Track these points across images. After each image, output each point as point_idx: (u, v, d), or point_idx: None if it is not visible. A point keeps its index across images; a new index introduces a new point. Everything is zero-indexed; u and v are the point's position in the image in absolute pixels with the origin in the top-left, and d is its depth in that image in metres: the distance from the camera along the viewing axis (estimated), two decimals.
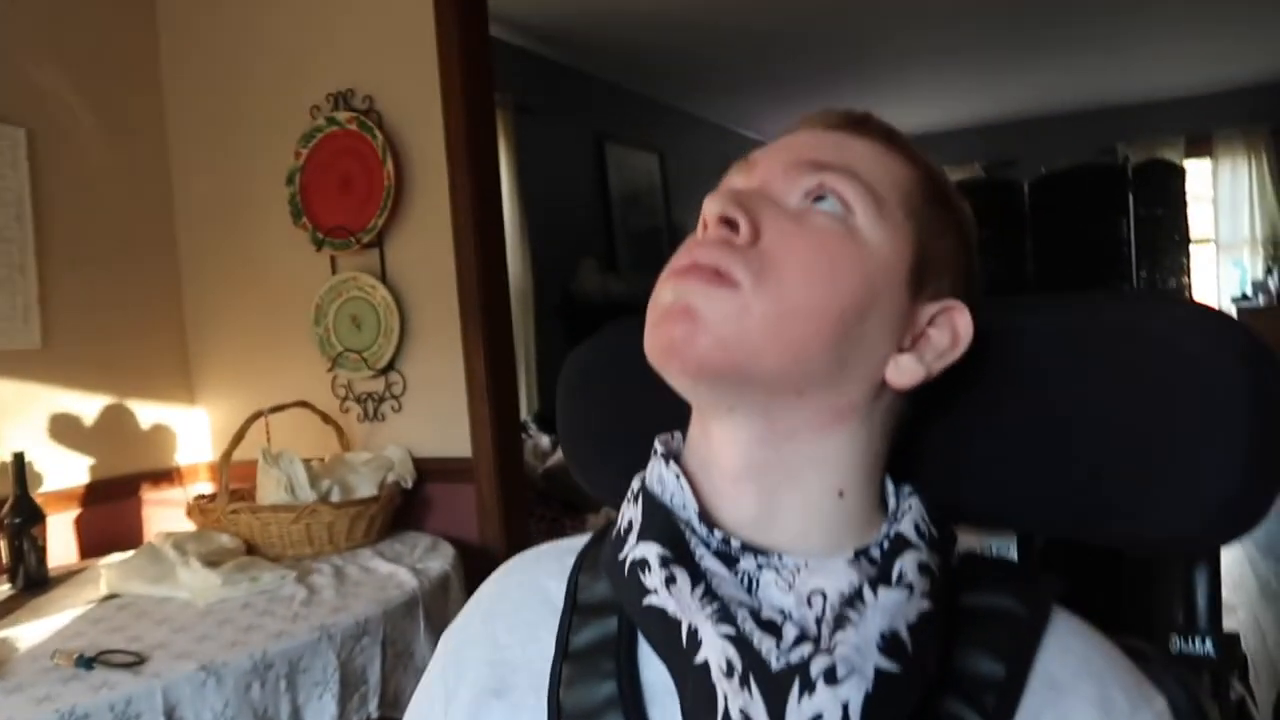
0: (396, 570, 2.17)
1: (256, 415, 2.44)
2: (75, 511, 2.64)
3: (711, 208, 0.64)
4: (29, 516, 2.22)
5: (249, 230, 2.91)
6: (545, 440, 4.60)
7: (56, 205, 2.66)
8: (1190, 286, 7.46)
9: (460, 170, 2.58)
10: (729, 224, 0.63)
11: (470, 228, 2.58)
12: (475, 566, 2.51)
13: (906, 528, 0.62)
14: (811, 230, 0.63)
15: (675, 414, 0.69)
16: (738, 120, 7.80)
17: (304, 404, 2.60)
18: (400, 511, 2.58)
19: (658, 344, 0.63)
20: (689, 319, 0.61)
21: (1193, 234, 7.54)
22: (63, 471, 2.63)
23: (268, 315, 2.89)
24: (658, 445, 0.70)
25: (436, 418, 2.65)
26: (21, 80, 2.61)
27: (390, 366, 2.68)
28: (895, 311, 0.64)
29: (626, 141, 6.17)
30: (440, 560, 2.29)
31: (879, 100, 7.16)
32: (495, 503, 2.60)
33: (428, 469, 2.65)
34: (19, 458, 2.23)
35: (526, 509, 2.96)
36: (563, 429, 0.89)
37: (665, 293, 0.64)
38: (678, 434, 0.72)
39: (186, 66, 2.98)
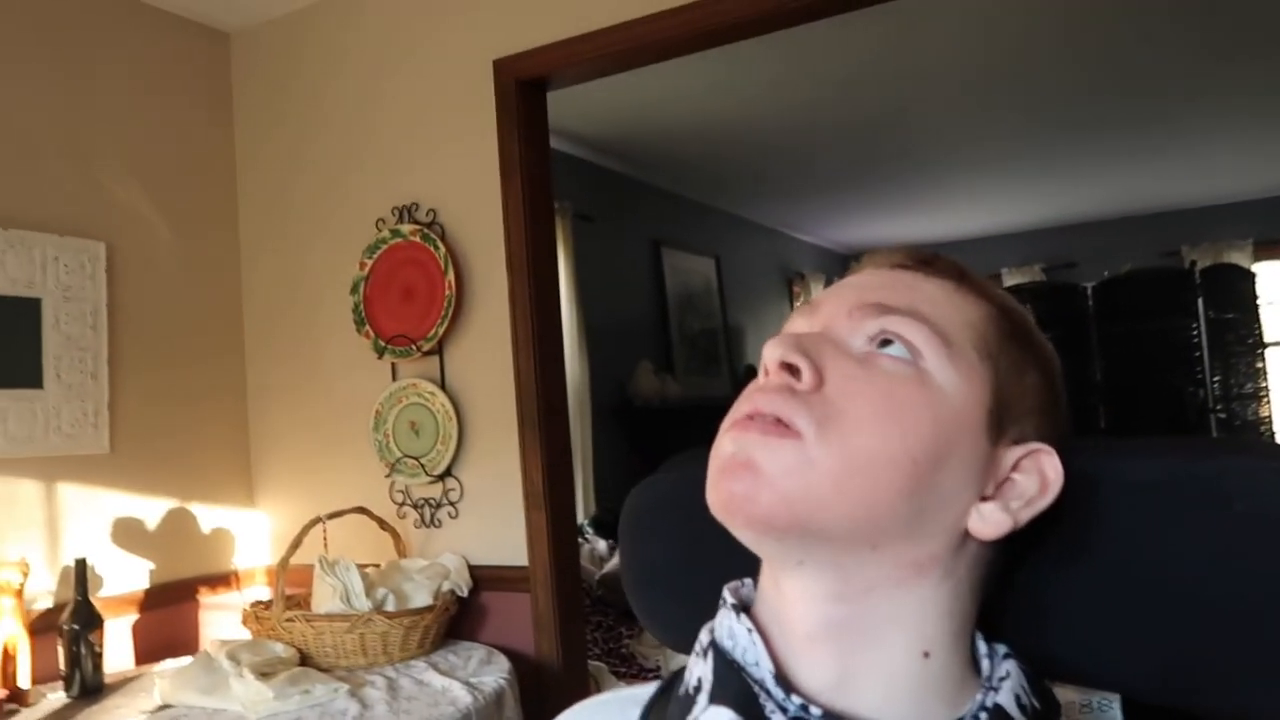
0: (450, 685, 2.11)
1: (315, 521, 2.45)
2: (134, 616, 2.65)
3: (772, 353, 0.61)
4: (88, 622, 2.22)
5: (313, 337, 2.97)
6: (602, 545, 4.54)
7: (129, 314, 2.75)
8: (1268, 390, 7.24)
9: (520, 281, 2.62)
10: (791, 370, 0.60)
11: (529, 337, 2.60)
12: (531, 680, 2.45)
13: (1006, 699, 0.57)
14: (877, 375, 0.60)
15: (746, 556, 0.66)
16: (792, 224, 7.87)
17: (362, 510, 2.60)
18: (455, 620, 2.54)
19: (719, 499, 0.60)
20: (750, 473, 0.58)
21: (1266, 337, 7.35)
22: (123, 575, 2.65)
23: (329, 420, 2.92)
24: (727, 594, 0.66)
25: (493, 525, 2.63)
26: (102, 195, 2.74)
27: (448, 472, 2.68)
28: (974, 457, 0.60)
29: (683, 246, 6.25)
30: (495, 674, 2.23)
31: (935, 204, 7.18)
32: (551, 613, 2.55)
33: (483, 576, 2.62)
34: (80, 564, 2.25)
35: (583, 618, 2.89)
36: (626, 571, 0.84)
37: (726, 443, 0.61)
38: (748, 581, 0.68)
39: (258, 181, 3.11)
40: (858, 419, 0.58)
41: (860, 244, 8.81)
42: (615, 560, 4.22)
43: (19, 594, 2.21)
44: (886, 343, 0.61)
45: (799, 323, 0.67)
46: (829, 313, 0.65)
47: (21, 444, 2.44)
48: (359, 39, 2.91)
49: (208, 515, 2.92)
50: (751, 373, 5.25)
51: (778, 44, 3.08)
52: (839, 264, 8.77)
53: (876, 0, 2.34)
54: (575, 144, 5.05)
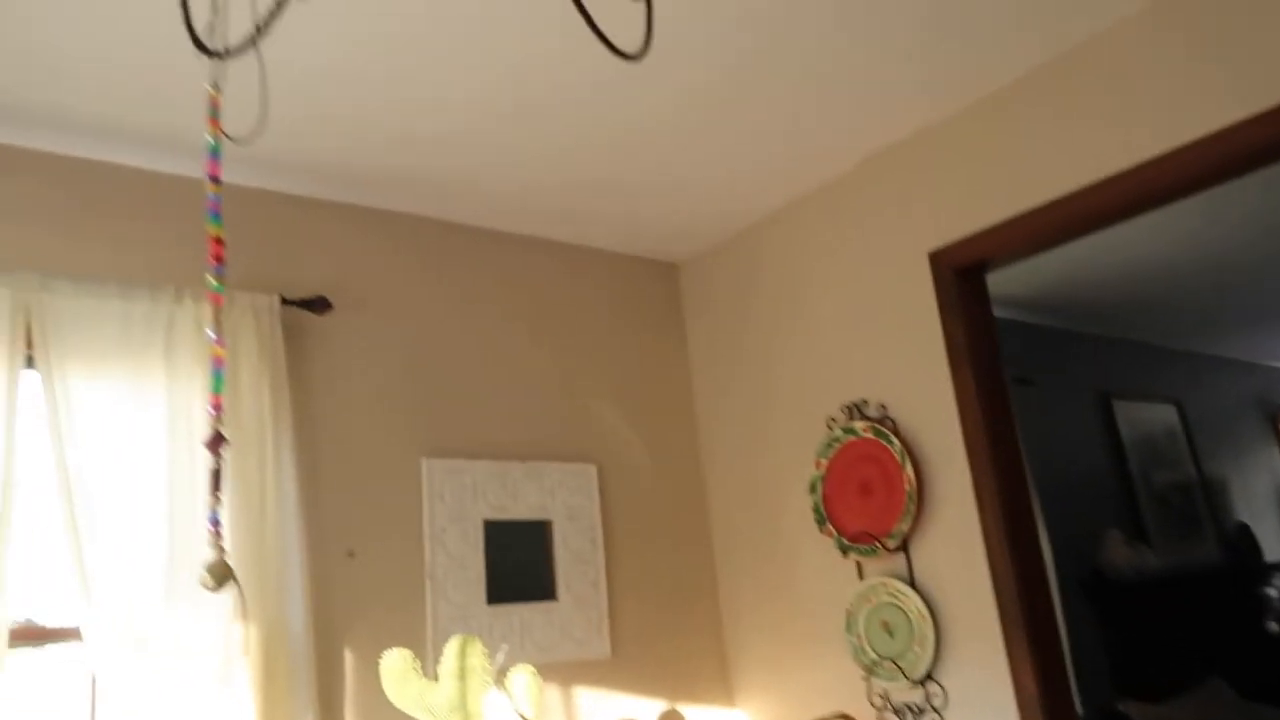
0: None
1: None
2: None
3: None
4: None
5: (776, 538, 3.08)
6: None
7: (617, 527, 3.07)
8: None
9: (982, 470, 2.54)
10: None
11: (1000, 528, 2.48)
12: None
13: None
14: None
15: None
16: (1267, 353, 6.85)
17: (844, 716, 2.57)
18: None
19: None
20: None
21: None
22: None
23: (799, 619, 2.98)
24: None
25: None
26: (591, 422, 3.14)
27: (928, 676, 2.58)
28: None
29: (1136, 395, 5.68)
30: None
31: None
32: None
33: None
34: None
35: None
36: None
37: None
38: None
39: (712, 393, 3.38)
40: None
41: None
42: None
43: None
44: None
45: None
46: None
47: (545, 651, 2.77)
48: (795, 250, 3.13)
49: (694, 715, 3.06)
50: (1245, 531, 4.51)
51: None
52: None
53: None
54: (1005, 306, 4.90)
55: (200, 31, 0.91)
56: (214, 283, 1.21)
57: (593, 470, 3.06)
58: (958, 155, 2.66)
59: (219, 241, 1.10)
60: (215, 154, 1.08)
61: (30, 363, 2.17)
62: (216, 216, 1.10)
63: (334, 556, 2.54)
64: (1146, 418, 5.76)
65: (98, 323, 2.23)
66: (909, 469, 2.65)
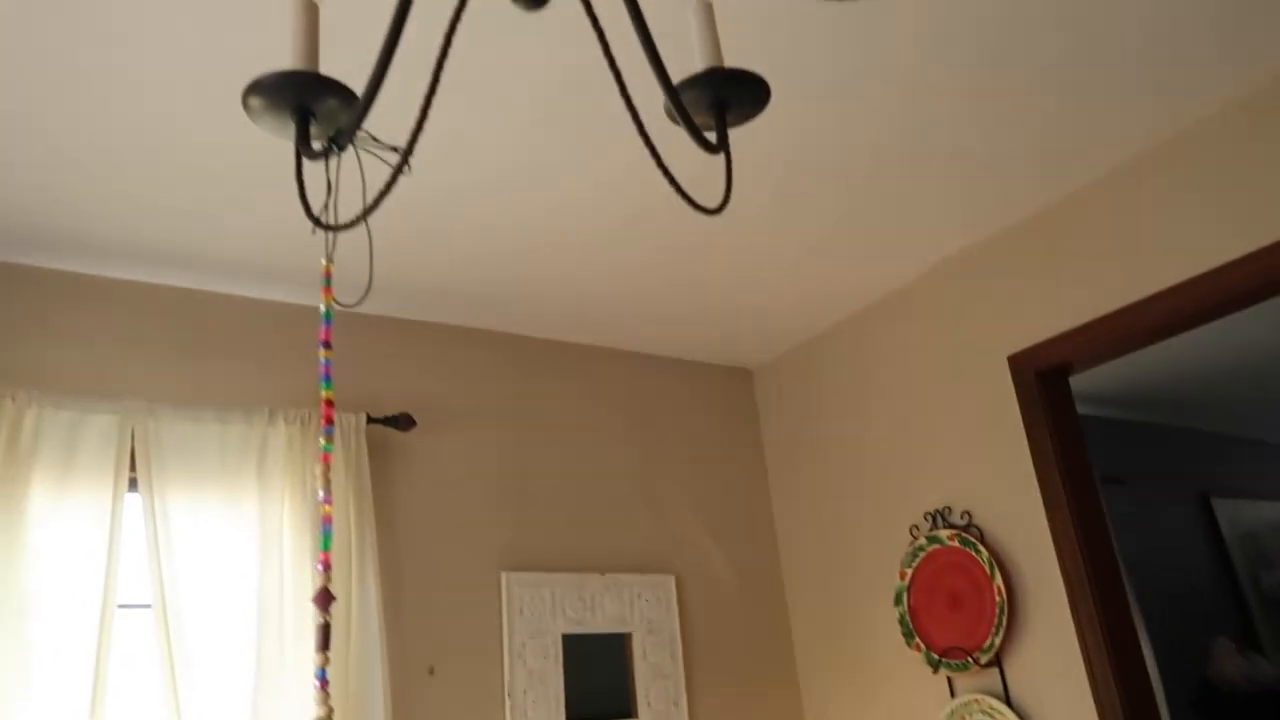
0: None
1: None
2: None
3: None
4: None
5: (862, 651, 2.99)
6: None
7: (697, 640, 3.02)
8: None
9: (1077, 577, 2.44)
10: None
11: (1099, 639, 2.37)
12: None
13: None
14: None
15: None
16: None
17: None
18: None
19: None
20: None
21: None
22: None
23: None
24: None
25: None
26: (669, 532, 3.12)
27: None
28: None
29: (1239, 492, 5.43)
30: None
31: None
32: None
33: None
34: None
35: None
36: None
37: None
38: None
39: (790, 500, 3.34)
40: None
41: None
42: None
43: None
44: None
45: None
46: None
47: None
48: (868, 355, 3.12)
49: None
50: None
51: None
52: None
53: None
54: (1092, 402, 4.78)
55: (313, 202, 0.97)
56: (324, 443, 1.26)
57: (671, 581, 3.03)
58: (1035, 257, 2.65)
59: (330, 404, 1.15)
60: (328, 320, 1.14)
61: (134, 485, 2.27)
62: (328, 380, 1.16)
63: (415, 673, 2.55)
64: (1250, 516, 5.49)
65: (196, 445, 2.33)
66: (998, 579, 2.57)
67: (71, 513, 2.17)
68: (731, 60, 1.91)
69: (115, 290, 2.47)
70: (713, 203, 0.88)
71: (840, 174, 2.38)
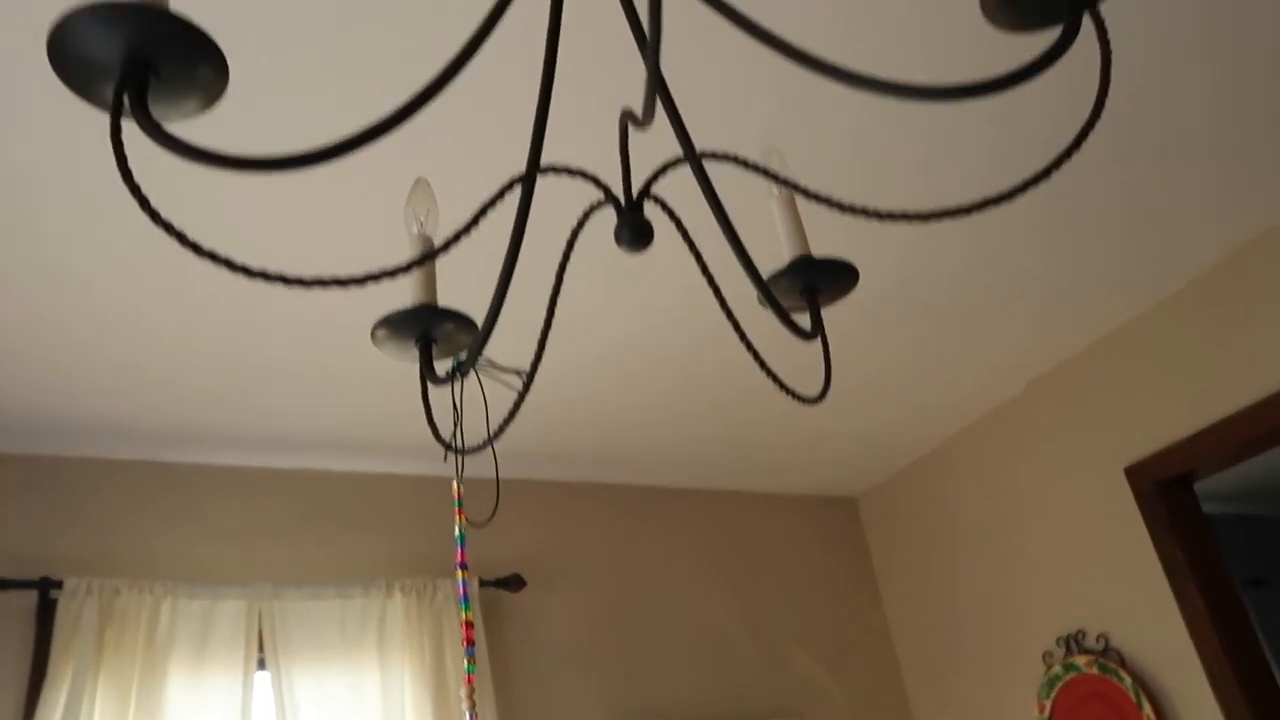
0: None
1: None
2: None
3: None
4: None
5: None
6: None
7: None
8: None
9: (1231, 695, 2.28)
10: None
11: None
12: None
13: None
14: None
15: None
16: None
17: None
18: None
19: None
20: None
21: None
22: None
23: None
24: None
25: None
26: (788, 673, 3.03)
27: None
28: None
29: None
30: None
31: None
32: None
33: None
34: None
35: None
36: None
37: None
38: None
39: (909, 629, 3.22)
40: None
41: None
42: None
43: None
44: None
45: None
46: None
47: None
48: (978, 475, 3.05)
49: None
50: None
51: None
52: None
53: None
54: (1222, 501, 4.53)
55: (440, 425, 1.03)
56: (467, 664, 1.30)
57: None
58: (1140, 362, 2.59)
59: (469, 625, 1.19)
60: (462, 543, 1.19)
61: (262, 664, 2.34)
62: (466, 602, 1.20)
63: None
64: None
65: (319, 621, 2.40)
66: (1147, 708, 2.41)
67: (205, 695, 2.24)
68: (819, 213, 1.98)
69: (241, 477, 2.61)
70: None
71: (929, 300, 2.40)
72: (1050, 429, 2.82)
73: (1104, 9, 1.59)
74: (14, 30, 1.32)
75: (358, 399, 2.41)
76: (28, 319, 1.94)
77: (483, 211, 0.64)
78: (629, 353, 2.42)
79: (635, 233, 0.66)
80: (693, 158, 0.63)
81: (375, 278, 0.58)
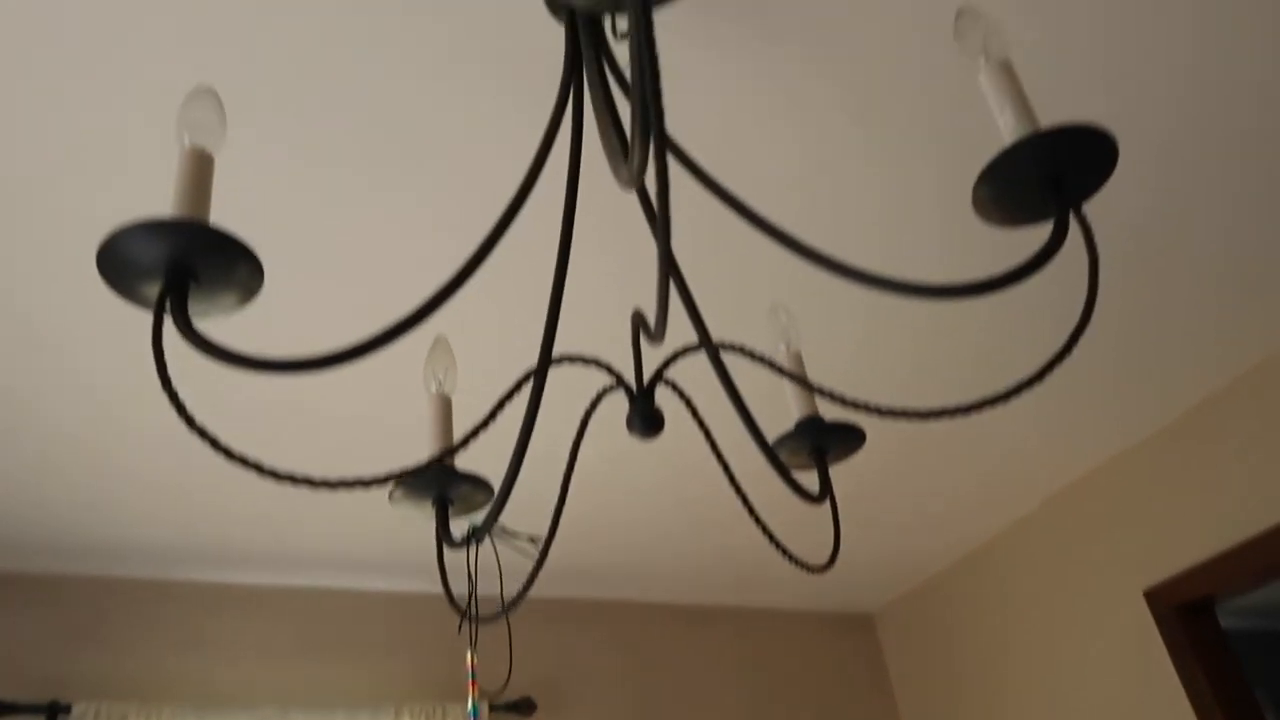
0: None
1: None
2: None
3: None
4: None
5: None
6: None
7: None
8: None
9: None
10: None
11: None
12: None
13: None
14: None
15: None
16: None
17: None
18: None
19: None
20: None
21: None
22: None
23: None
24: None
25: None
26: None
27: None
28: None
29: None
30: None
31: None
32: None
33: None
34: None
35: None
36: None
37: None
38: None
39: None
40: None
41: None
42: None
43: None
44: None
45: None
46: None
47: None
48: (996, 592, 3.00)
49: None
50: None
51: None
52: None
53: None
54: (1246, 615, 4.43)
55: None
56: None
57: None
58: (1157, 483, 2.57)
59: None
60: (475, 715, 1.20)
61: None
62: None
63: None
64: None
65: None
66: None
67: None
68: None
69: (251, 596, 2.60)
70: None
71: (938, 421, 2.41)
72: (1067, 548, 2.79)
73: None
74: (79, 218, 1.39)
75: (370, 515, 2.42)
76: (53, 436, 1.97)
77: (500, 406, 0.66)
78: (637, 466, 2.42)
79: (647, 422, 0.68)
80: (710, 347, 0.66)
81: (396, 477, 0.60)
